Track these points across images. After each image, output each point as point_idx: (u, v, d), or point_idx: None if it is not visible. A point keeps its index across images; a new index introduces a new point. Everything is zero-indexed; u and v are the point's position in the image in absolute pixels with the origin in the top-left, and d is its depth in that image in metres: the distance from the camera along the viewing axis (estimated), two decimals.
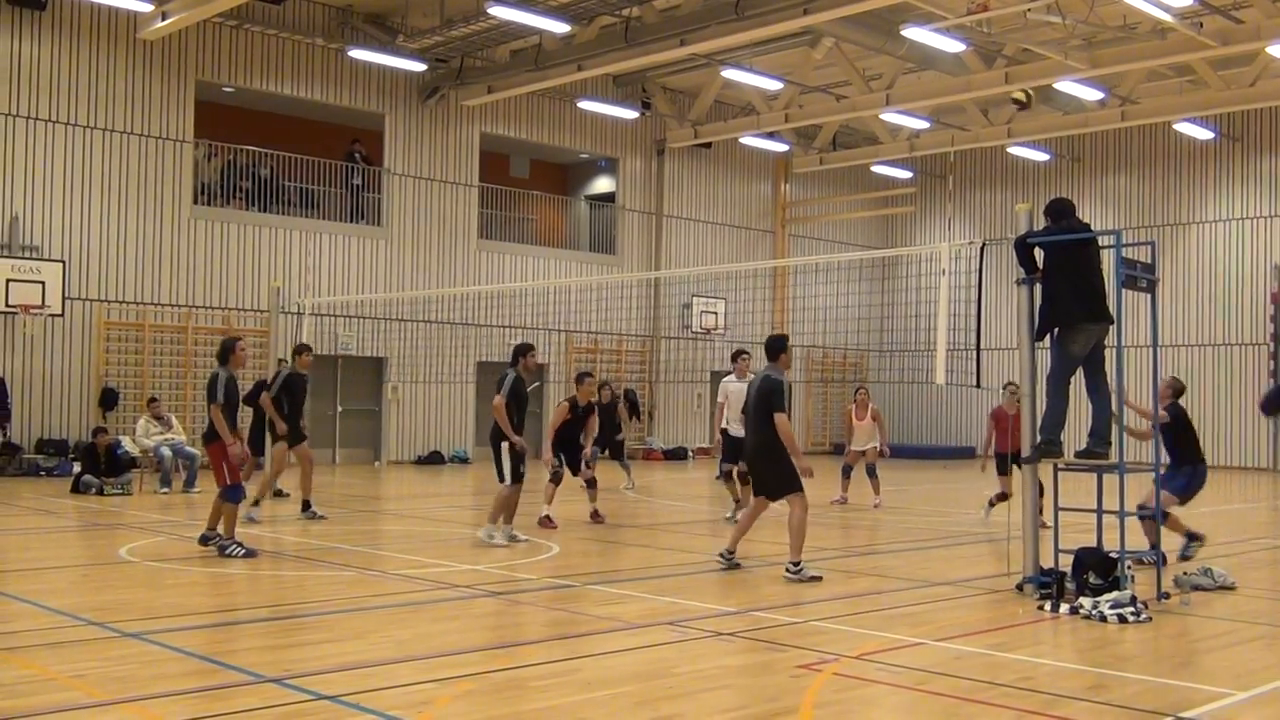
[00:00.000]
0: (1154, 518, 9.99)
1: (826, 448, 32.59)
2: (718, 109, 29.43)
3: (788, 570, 9.93)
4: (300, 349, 14.67)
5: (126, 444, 18.50)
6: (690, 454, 29.69)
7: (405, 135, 25.85)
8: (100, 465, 17.22)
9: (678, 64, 25.81)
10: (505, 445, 11.88)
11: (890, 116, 27.48)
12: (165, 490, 17.24)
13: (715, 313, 30.13)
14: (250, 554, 10.75)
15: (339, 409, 24.97)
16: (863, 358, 33.52)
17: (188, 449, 18.03)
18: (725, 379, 14.88)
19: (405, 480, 21.92)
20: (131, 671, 6.68)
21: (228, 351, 11.23)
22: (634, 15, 22.03)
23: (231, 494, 10.88)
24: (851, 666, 6.81)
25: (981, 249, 10.96)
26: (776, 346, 10.50)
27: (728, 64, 24.51)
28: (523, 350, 12.33)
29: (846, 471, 17.70)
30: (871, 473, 17.29)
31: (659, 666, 6.85)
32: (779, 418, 9.95)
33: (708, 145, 30.56)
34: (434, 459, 25.42)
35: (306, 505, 14.27)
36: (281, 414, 14.04)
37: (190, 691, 6.07)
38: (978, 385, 10.86)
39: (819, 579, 9.89)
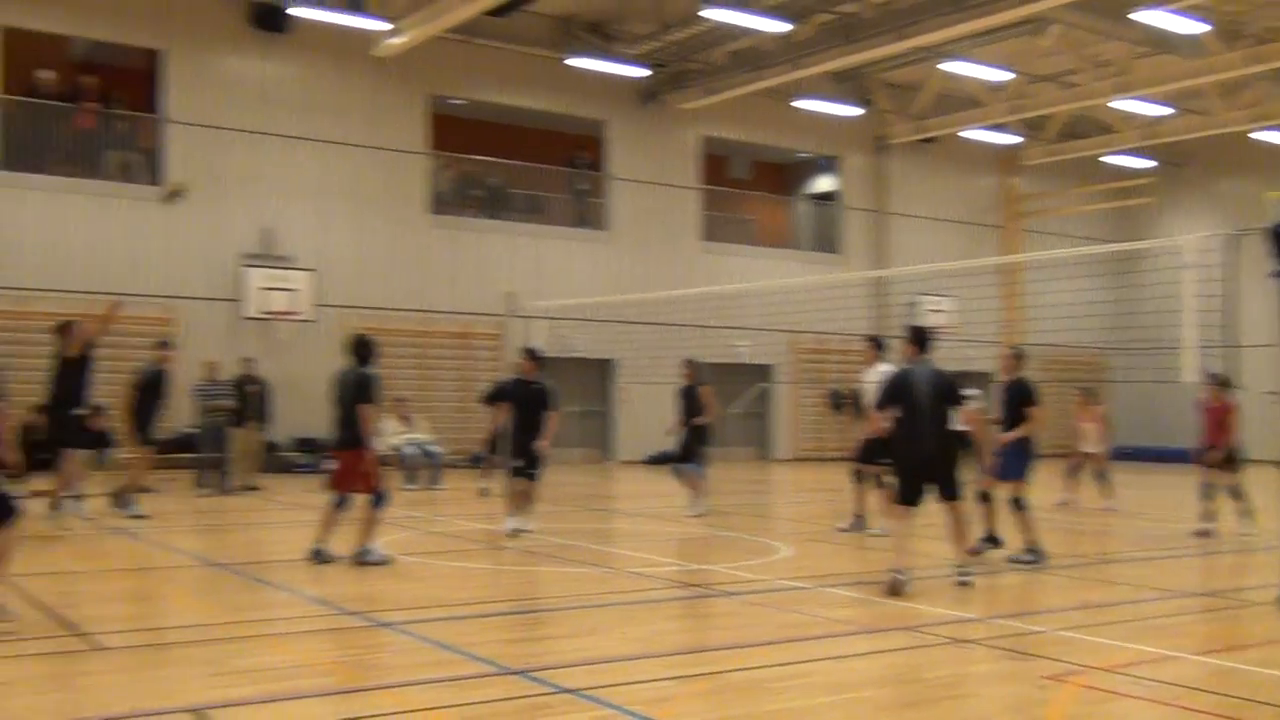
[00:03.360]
0: None
1: (1062, 450, 31.37)
2: (941, 102, 28.77)
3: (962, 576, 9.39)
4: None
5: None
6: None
7: (626, 140, 26.24)
8: None
9: (898, 58, 25.34)
10: None
11: (1124, 104, 26.29)
12: (410, 487, 17.97)
13: (943, 310, 29.44)
14: (385, 561, 10.29)
15: (570, 410, 25.48)
16: (1101, 356, 32.16)
17: (431, 447, 18.76)
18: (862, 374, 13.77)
19: (635, 480, 22.26)
20: (385, 659, 7.01)
21: (369, 348, 10.75)
22: (852, 11, 21.76)
23: (378, 499, 10.35)
24: (1102, 679, 6.55)
25: (1230, 240, 10.37)
26: (926, 337, 9.50)
27: (949, 56, 23.94)
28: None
29: (1074, 473, 17.05)
30: (1102, 476, 16.57)
31: (898, 672, 6.75)
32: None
33: (931, 140, 29.91)
34: (663, 459, 25.66)
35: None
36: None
37: (439, 680, 6.31)
38: (1227, 385, 10.28)
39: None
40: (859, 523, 13.03)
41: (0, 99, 20.01)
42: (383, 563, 10.23)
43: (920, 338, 9.41)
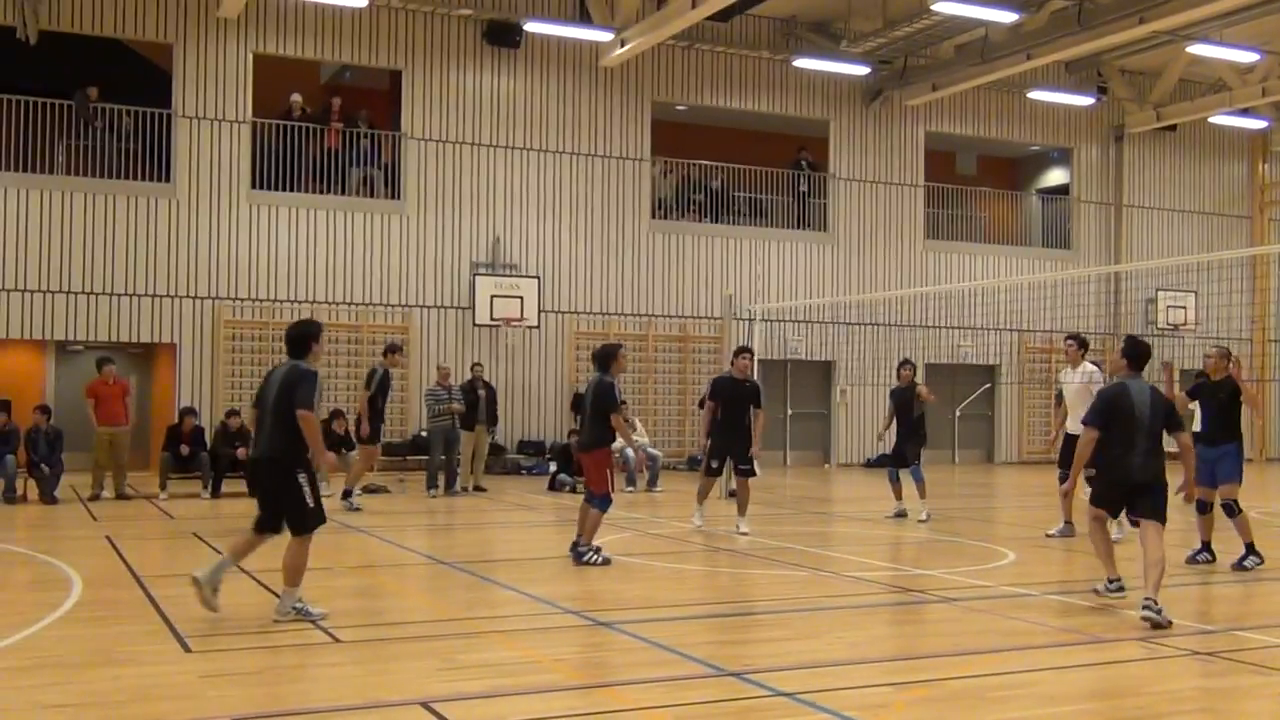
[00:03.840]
0: None
1: None
2: (1183, 88, 27.37)
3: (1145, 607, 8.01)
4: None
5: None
6: None
7: (850, 139, 25.97)
8: (574, 465, 18.54)
9: (1137, 44, 24.21)
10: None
11: None
12: (630, 489, 18.26)
13: (1184, 307, 27.98)
14: (607, 561, 10.49)
15: (789, 412, 25.45)
16: None
17: (651, 450, 19.01)
18: (1063, 373, 13.26)
19: (854, 483, 22.00)
20: (606, 658, 7.17)
21: (609, 358, 10.91)
22: None
23: (601, 502, 10.58)
24: None
25: None
26: (1143, 354, 8.74)
27: (1194, 39, 22.72)
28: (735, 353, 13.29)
29: None
30: None
31: (1127, 684, 6.48)
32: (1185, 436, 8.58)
33: (1172, 128, 28.48)
34: (883, 462, 25.27)
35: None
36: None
37: (658, 680, 6.40)
38: None
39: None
40: (1068, 529, 12.62)
41: (254, 122, 21.33)
42: (604, 563, 10.49)
43: (1135, 353, 8.73)
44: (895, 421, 14.80)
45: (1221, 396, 10.79)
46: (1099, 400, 8.64)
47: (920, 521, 14.10)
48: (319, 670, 6.74)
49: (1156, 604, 7.82)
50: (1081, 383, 12.43)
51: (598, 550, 10.59)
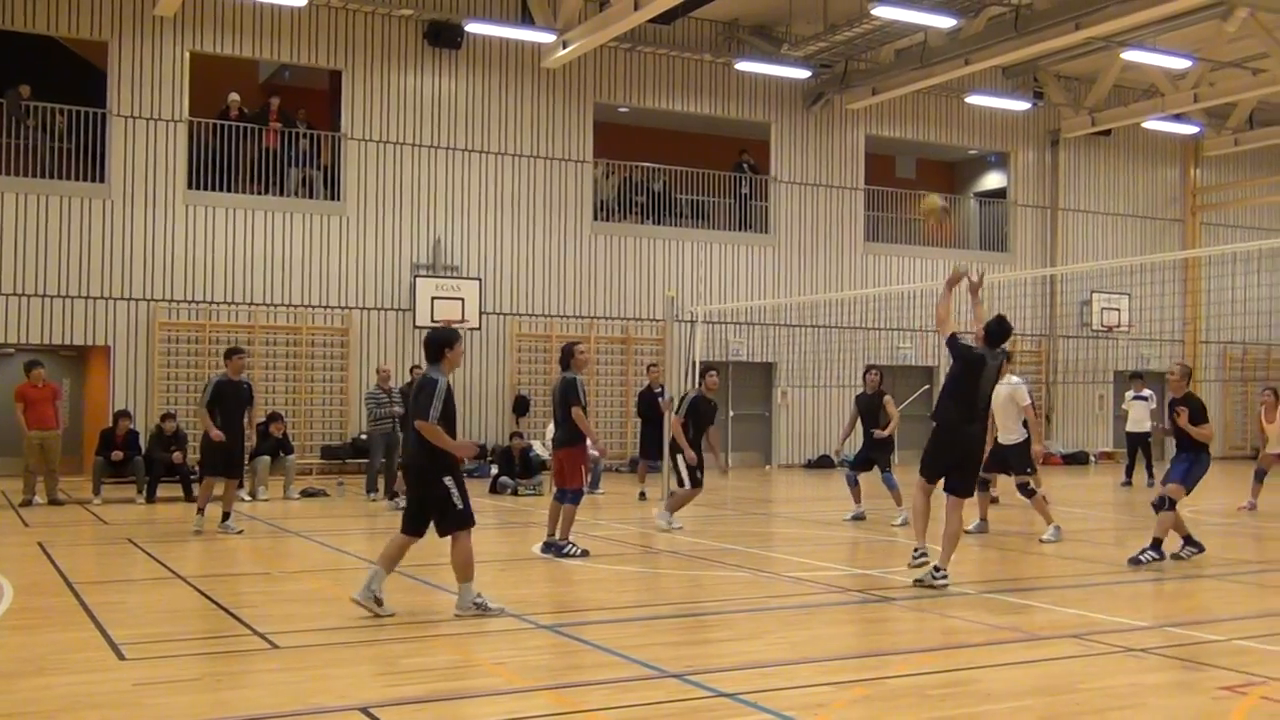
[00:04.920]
0: None
1: (1247, 451, 30.00)
2: (1117, 93, 27.82)
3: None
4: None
5: (538, 448, 19.73)
6: (1093, 458, 28.21)
7: (791, 142, 26.12)
8: (515, 467, 18.48)
9: (1072, 49, 24.57)
10: (680, 456, 13.18)
11: None
12: (597, 491, 18.15)
13: (1118, 309, 28.45)
14: (585, 553, 11.10)
15: (731, 414, 25.54)
16: None
17: (593, 451, 18.94)
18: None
19: (794, 484, 22.13)
20: (547, 661, 7.14)
21: (569, 355, 11.40)
22: (1024, 3, 21.22)
23: (574, 496, 11.19)
24: None
25: None
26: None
27: (1128, 45, 23.12)
28: (703, 371, 13.82)
29: (1259, 476, 16.26)
30: (1258, 477, 15.70)
31: (1065, 681, 6.56)
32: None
33: (1107, 132, 28.94)
34: (823, 463, 25.50)
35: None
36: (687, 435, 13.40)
37: (600, 682, 6.40)
38: None
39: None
40: (983, 525, 13.16)
41: (191, 121, 21.05)
42: (582, 555, 11.03)
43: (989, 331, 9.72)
44: (862, 427, 14.86)
45: (1184, 412, 11.10)
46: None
47: (896, 526, 13.92)
48: (257, 676, 6.66)
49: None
50: (1007, 394, 12.61)
51: (574, 544, 11.14)
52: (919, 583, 9.35)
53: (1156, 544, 10.82)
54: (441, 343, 8.37)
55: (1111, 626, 7.97)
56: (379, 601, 8.00)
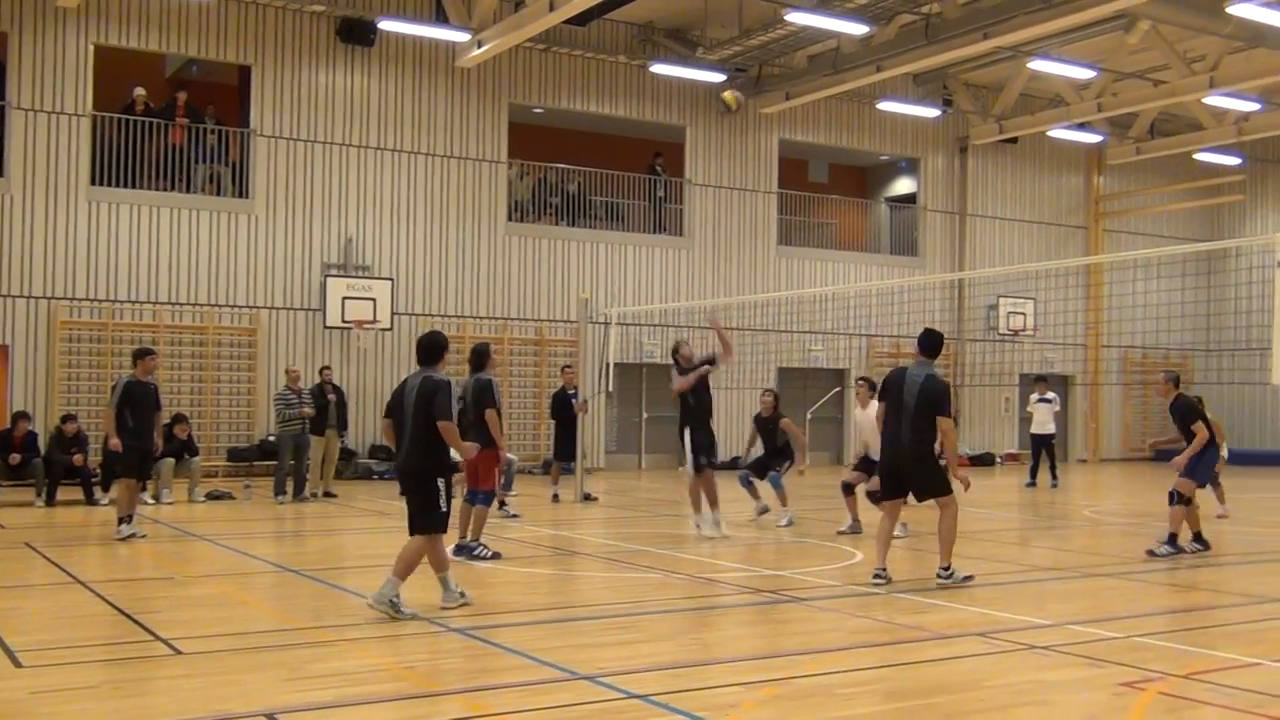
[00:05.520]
0: None
1: (1146, 454, 30.84)
2: (1024, 102, 28.39)
3: (939, 576, 9.75)
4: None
5: (453, 451, 19.54)
6: (999, 460, 28.76)
7: (705, 146, 26.25)
8: None
9: (981, 58, 25.04)
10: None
11: (1215, 100, 25.70)
12: (511, 493, 18.05)
13: (1024, 313, 29.04)
14: (497, 556, 11.08)
15: (645, 416, 25.60)
16: (1187, 358, 31.49)
17: (508, 454, 18.84)
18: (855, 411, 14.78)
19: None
20: (458, 664, 7.09)
21: (485, 356, 11.30)
22: (934, 11, 21.56)
23: (486, 498, 11.15)
24: (1179, 686, 6.43)
25: None
26: (938, 343, 10.03)
27: (1035, 54, 23.60)
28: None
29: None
30: (1214, 482, 16.06)
31: (969, 678, 6.67)
32: (947, 423, 9.68)
33: (1014, 140, 29.50)
34: (735, 464, 25.59)
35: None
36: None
37: (511, 685, 6.37)
38: None
39: (971, 578, 9.78)
40: (856, 525, 13.61)
41: (94, 115, 20.56)
42: (493, 557, 11.01)
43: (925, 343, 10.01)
44: (762, 442, 15.14)
45: (1175, 416, 12.18)
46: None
47: (782, 526, 14.26)
48: (160, 683, 6.52)
49: (947, 571, 9.65)
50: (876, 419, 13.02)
51: (486, 546, 11.16)
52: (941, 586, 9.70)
53: (1172, 538, 11.64)
54: (441, 346, 8.63)
55: (1015, 625, 8.13)
56: (397, 607, 8.13)
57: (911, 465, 9.71)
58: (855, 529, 13.48)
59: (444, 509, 8.30)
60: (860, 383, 14.16)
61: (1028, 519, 16.66)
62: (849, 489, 13.50)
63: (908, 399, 9.69)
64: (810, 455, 27.30)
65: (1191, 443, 11.75)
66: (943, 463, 10.19)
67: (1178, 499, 11.65)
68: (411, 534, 8.37)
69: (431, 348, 8.60)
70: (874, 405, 13.13)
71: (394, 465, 9.08)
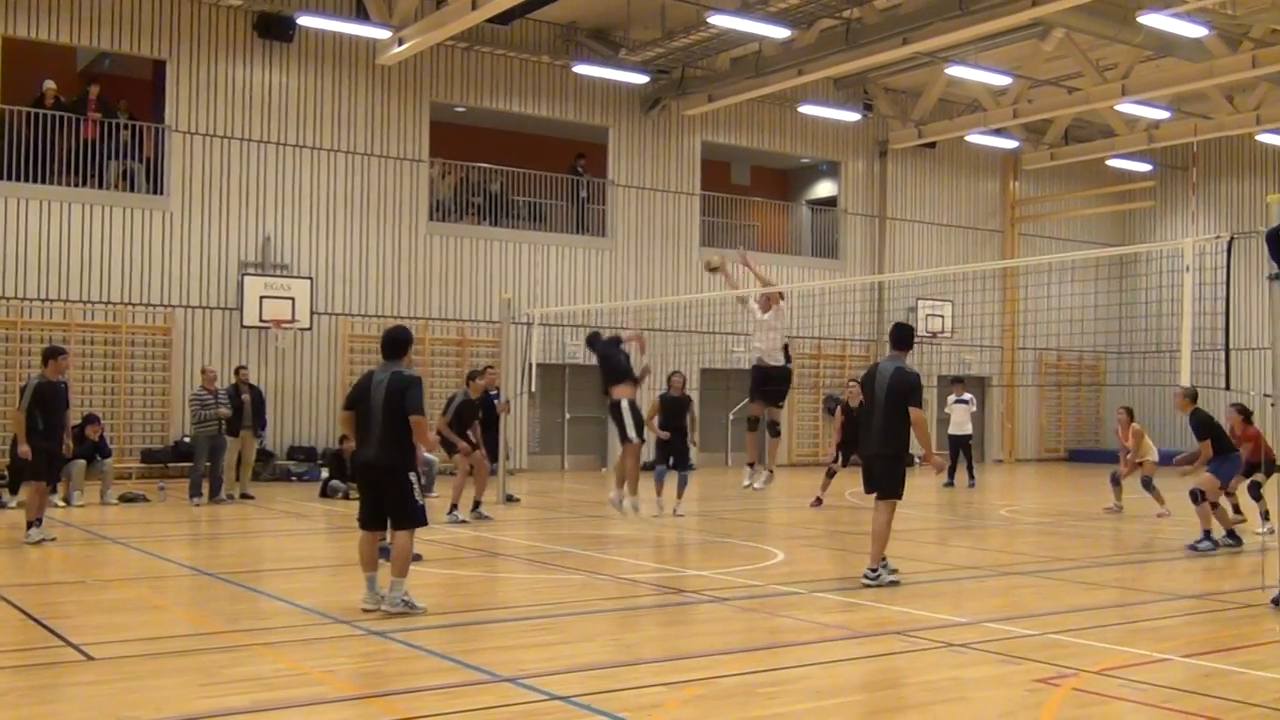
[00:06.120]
0: None
1: (1061, 454, 31.46)
2: (942, 107, 28.79)
3: (865, 577, 9.83)
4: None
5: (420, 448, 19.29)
6: (916, 460, 29.08)
7: (628, 147, 26.26)
8: (347, 471, 18.09)
9: (900, 63, 25.35)
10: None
11: (1126, 107, 26.30)
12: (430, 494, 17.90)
13: (942, 316, 29.44)
14: (419, 557, 10.75)
15: (567, 416, 25.54)
16: (1099, 360, 32.17)
17: (428, 455, 18.73)
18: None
19: None
20: (378, 668, 7.01)
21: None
22: (855, 16, 21.78)
23: None
24: (1092, 682, 6.55)
25: (1229, 243, 10.39)
26: (908, 336, 10.18)
27: (952, 61, 23.96)
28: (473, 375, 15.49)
29: (1115, 480, 16.88)
30: (1148, 485, 16.37)
31: (889, 676, 6.75)
32: (918, 414, 9.83)
33: (932, 145, 29.92)
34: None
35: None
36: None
37: (432, 688, 6.31)
38: (1226, 387, 10.34)
39: (897, 583, 9.84)
40: (770, 475, 14.75)
41: (2, 109, 20.04)
42: (415, 559, 10.75)
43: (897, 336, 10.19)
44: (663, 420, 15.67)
45: (1194, 428, 13.00)
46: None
47: (676, 515, 14.88)
48: (70, 690, 6.36)
49: (874, 572, 9.74)
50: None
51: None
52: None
53: (1206, 534, 12.34)
54: (406, 341, 8.64)
55: (933, 623, 8.23)
56: (381, 600, 8.29)
57: (877, 458, 10.07)
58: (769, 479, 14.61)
59: (420, 501, 8.37)
60: (852, 384, 15.05)
61: (946, 519, 16.89)
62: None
63: (879, 392, 9.88)
64: (732, 455, 27.55)
65: (1203, 452, 12.77)
66: (918, 462, 10.44)
67: (1201, 498, 12.30)
68: (395, 529, 8.42)
69: (396, 342, 8.61)
70: None
71: (355, 459, 9.00)
